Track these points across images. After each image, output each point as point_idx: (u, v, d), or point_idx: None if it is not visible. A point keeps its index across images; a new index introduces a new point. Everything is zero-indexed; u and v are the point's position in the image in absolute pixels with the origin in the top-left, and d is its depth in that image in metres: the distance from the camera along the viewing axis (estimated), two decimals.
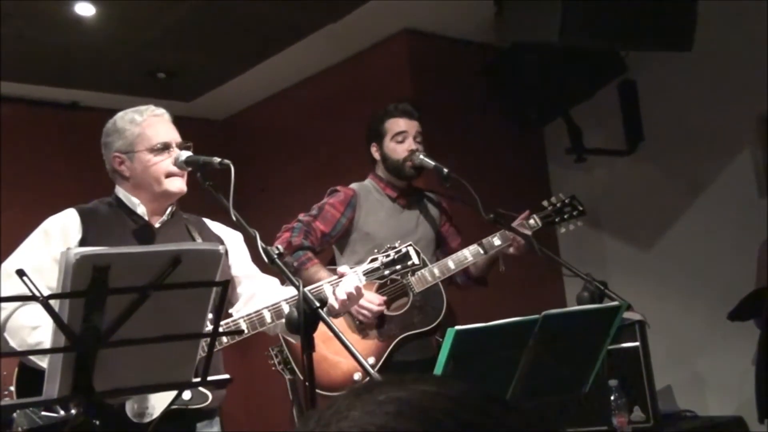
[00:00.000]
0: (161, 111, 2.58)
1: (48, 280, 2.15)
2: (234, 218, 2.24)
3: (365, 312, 3.13)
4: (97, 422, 1.83)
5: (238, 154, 4.88)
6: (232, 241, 2.63)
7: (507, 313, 2.33)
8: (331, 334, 2.02)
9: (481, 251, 3.22)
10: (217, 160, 2.37)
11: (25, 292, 1.66)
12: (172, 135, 2.54)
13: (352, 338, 3.15)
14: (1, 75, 4.54)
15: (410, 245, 2.66)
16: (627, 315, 2.96)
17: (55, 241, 2.40)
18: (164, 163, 2.50)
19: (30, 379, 2.21)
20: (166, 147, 2.51)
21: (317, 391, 2.88)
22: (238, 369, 4.79)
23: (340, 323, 3.15)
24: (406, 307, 3.24)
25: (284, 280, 2.27)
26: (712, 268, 4.55)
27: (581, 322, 2.49)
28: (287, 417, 3.55)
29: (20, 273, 1.62)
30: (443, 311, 3.23)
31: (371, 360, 3.15)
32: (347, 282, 2.52)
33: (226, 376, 2.20)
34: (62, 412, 2.19)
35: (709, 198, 4.66)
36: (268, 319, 2.47)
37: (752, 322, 3.95)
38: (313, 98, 5.38)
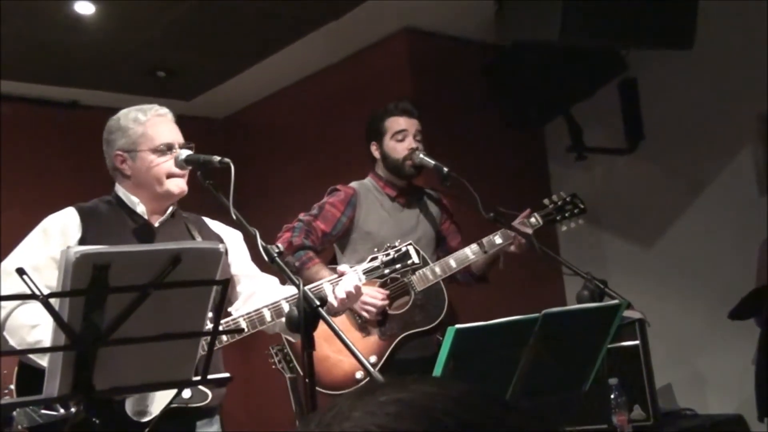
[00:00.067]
0: (165, 110, 2.58)
1: (47, 279, 2.16)
2: (234, 217, 2.23)
3: (369, 308, 3.13)
4: (97, 421, 1.84)
5: (238, 152, 4.88)
6: (232, 240, 2.63)
7: (507, 312, 2.33)
8: (331, 333, 2.02)
9: (482, 250, 3.22)
10: (217, 158, 2.36)
11: (25, 290, 1.66)
12: (175, 136, 2.54)
13: (354, 337, 3.15)
14: (1, 74, 4.54)
15: (410, 244, 2.66)
16: (627, 313, 2.96)
17: (55, 240, 2.40)
18: (166, 164, 2.50)
19: (30, 377, 2.21)
20: (168, 148, 2.50)
21: (319, 389, 2.89)
22: (239, 367, 4.80)
23: (341, 322, 3.16)
24: (408, 305, 3.24)
25: (284, 279, 2.27)
26: (713, 266, 4.55)
27: (581, 321, 2.49)
28: (287, 415, 3.55)
29: (20, 272, 1.62)
30: (444, 310, 3.23)
31: (373, 359, 3.15)
32: (347, 281, 2.52)
33: (227, 374, 2.20)
34: (62, 411, 2.19)
35: (709, 196, 4.66)
36: (267, 317, 2.47)
37: (752, 321, 3.95)
38: (312, 97, 5.38)
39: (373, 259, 2.63)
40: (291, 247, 3.22)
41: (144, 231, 2.52)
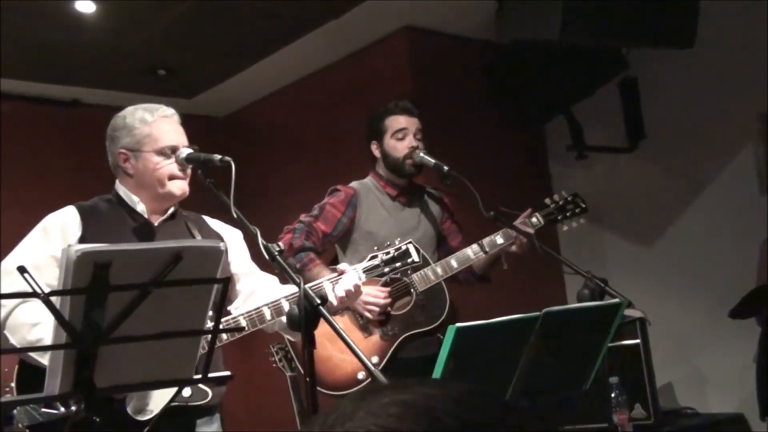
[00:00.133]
0: (171, 112, 2.57)
1: (48, 278, 2.15)
2: (235, 215, 2.23)
3: (371, 307, 3.14)
4: (97, 419, 1.84)
5: (239, 151, 4.88)
6: (232, 239, 2.63)
7: (508, 311, 2.33)
8: (334, 333, 2.02)
9: (484, 250, 3.22)
10: (218, 157, 2.37)
11: (26, 289, 1.66)
12: (180, 138, 2.54)
13: (355, 337, 3.15)
14: (1, 72, 4.54)
15: (410, 242, 2.66)
16: (628, 312, 2.96)
17: (55, 238, 2.40)
18: (169, 166, 2.50)
19: (30, 376, 2.21)
20: (172, 150, 2.50)
21: (321, 390, 2.89)
22: (239, 366, 4.80)
23: (343, 322, 3.16)
24: (409, 306, 3.23)
25: (285, 278, 2.27)
26: (713, 265, 4.55)
27: (582, 320, 2.50)
28: (288, 414, 3.55)
29: (21, 270, 1.62)
30: (446, 310, 3.23)
31: (374, 359, 3.15)
32: (347, 279, 2.52)
33: (227, 373, 2.20)
34: (62, 409, 2.20)
35: (710, 195, 4.67)
36: (267, 316, 2.47)
37: (753, 320, 3.96)
38: (313, 96, 5.38)
39: (373, 257, 2.63)
40: (292, 249, 3.22)
41: (144, 230, 2.52)
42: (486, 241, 3.23)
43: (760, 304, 3.83)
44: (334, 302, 2.50)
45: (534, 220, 3.32)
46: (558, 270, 4.53)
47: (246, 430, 5.38)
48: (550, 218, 3.36)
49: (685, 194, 4.77)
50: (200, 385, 2.40)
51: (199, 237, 2.57)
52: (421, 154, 3.32)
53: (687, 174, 4.76)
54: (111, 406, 2.24)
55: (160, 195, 2.52)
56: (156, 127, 2.51)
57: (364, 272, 2.59)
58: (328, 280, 2.56)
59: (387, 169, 3.41)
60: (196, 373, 1.95)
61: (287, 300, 2.47)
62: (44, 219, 2.46)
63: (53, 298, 1.66)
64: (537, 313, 2.29)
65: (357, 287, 2.53)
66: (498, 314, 2.26)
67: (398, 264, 2.63)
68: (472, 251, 3.23)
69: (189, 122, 2.62)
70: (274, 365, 3.47)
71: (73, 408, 2.13)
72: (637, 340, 3.13)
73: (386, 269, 2.62)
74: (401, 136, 3.37)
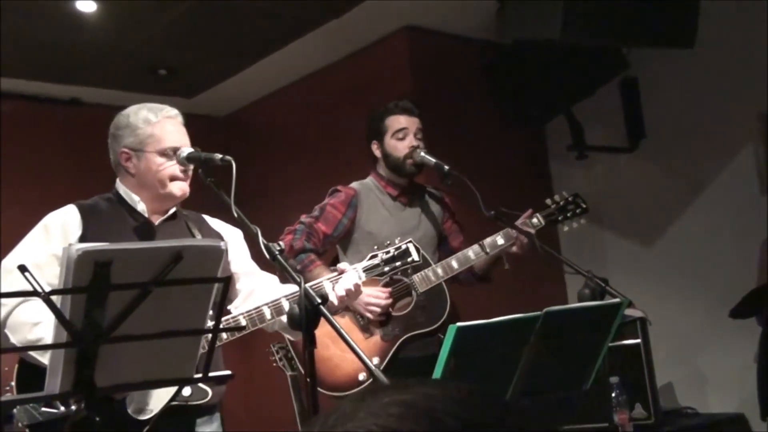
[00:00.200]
0: (175, 112, 2.57)
1: (48, 277, 2.15)
2: (235, 215, 2.23)
3: (373, 308, 3.14)
4: (98, 419, 1.83)
5: (239, 150, 4.88)
6: (232, 238, 2.63)
7: (509, 311, 2.33)
8: (335, 334, 2.02)
9: (484, 251, 3.21)
10: (219, 156, 2.37)
11: (26, 287, 1.66)
12: (183, 140, 2.54)
13: (356, 338, 3.15)
14: (1, 71, 4.54)
15: (410, 241, 2.66)
16: (628, 312, 2.96)
17: (55, 237, 2.40)
18: (172, 167, 2.50)
19: (30, 375, 2.21)
20: (175, 152, 2.51)
21: (321, 391, 2.89)
22: (239, 365, 4.79)
23: (343, 323, 3.15)
24: (410, 307, 3.23)
25: (285, 277, 2.27)
26: (714, 265, 4.55)
27: (582, 319, 2.50)
28: (288, 413, 3.55)
29: (22, 269, 1.62)
30: (447, 310, 3.22)
31: (375, 360, 3.15)
32: (347, 278, 2.52)
33: (228, 372, 2.20)
34: (62, 409, 2.20)
35: (710, 195, 4.67)
36: (267, 315, 2.47)
37: (753, 320, 3.96)
38: (313, 95, 5.38)
39: (372, 257, 2.63)
40: (293, 251, 3.22)
41: (144, 229, 2.52)
42: (487, 241, 3.23)
43: (760, 304, 3.83)
44: (335, 301, 2.50)
45: (534, 220, 3.31)
46: (558, 270, 4.53)
47: (246, 430, 5.38)
48: (550, 219, 3.35)
49: (685, 194, 4.77)
50: (200, 385, 2.40)
51: (199, 236, 2.57)
52: (422, 154, 3.32)
53: (687, 174, 4.76)
54: (111, 406, 2.24)
55: (160, 195, 2.52)
56: (159, 127, 2.51)
57: (364, 271, 2.59)
58: (328, 279, 2.56)
59: (388, 168, 3.41)
60: (197, 373, 1.95)
61: (287, 299, 2.47)
62: (45, 218, 2.46)
63: (54, 297, 1.66)
64: (537, 313, 2.29)
65: (357, 286, 2.53)
66: (498, 314, 2.26)
67: (398, 263, 2.62)
68: (472, 252, 3.22)
69: (189, 122, 2.62)
70: (274, 365, 3.46)
71: (73, 407, 2.13)
72: (638, 340, 3.13)
73: (386, 268, 2.62)
74: (402, 135, 3.37)
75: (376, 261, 2.61)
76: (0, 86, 4.82)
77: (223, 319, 2.34)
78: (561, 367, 2.43)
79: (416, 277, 3.20)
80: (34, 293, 1.63)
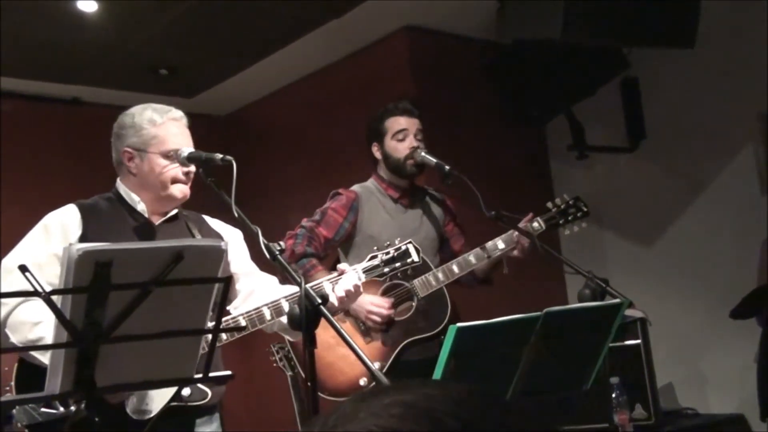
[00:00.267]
0: (180, 114, 2.57)
1: (48, 276, 2.15)
2: (236, 214, 2.23)
3: (375, 317, 3.14)
4: (97, 419, 1.83)
5: (240, 150, 4.87)
6: (232, 238, 2.63)
7: (509, 311, 2.33)
8: (336, 338, 2.01)
9: (485, 255, 3.21)
10: (220, 156, 2.37)
11: (27, 287, 1.66)
12: (187, 142, 2.54)
13: (357, 342, 3.13)
14: (2, 71, 4.54)
15: (410, 242, 2.65)
16: (628, 312, 2.96)
17: (56, 236, 2.40)
18: (174, 169, 2.50)
19: (30, 375, 2.21)
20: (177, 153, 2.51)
21: (322, 395, 2.88)
22: (239, 366, 4.79)
23: (345, 327, 3.15)
24: (411, 311, 3.23)
25: (285, 278, 2.26)
26: (714, 265, 4.55)
27: (583, 320, 2.50)
28: (288, 414, 3.55)
29: (23, 268, 1.62)
30: (448, 315, 3.21)
31: (376, 365, 3.13)
32: (346, 279, 2.52)
33: (228, 372, 2.20)
34: (62, 409, 2.19)
35: (710, 195, 4.66)
36: (267, 316, 2.47)
37: (754, 320, 3.95)
38: (313, 95, 5.38)
39: (372, 257, 2.63)
40: (294, 255, 3.22)
41: (145, 229, 2.52)
42: (488, 245, 3.21)
43: (760, 304, 3.83)
44: (335, 302, 2.50)
45: (535, 224, 3.25)
46: (559, 270, 4.53)
47: (246, 430, 5.38)
48: (551, 222, 3.29)
49: (686, 194, 4.77)
50: (199, 385, 2.40)
51: (199, 236, 2.56)
52: (423, 154, 3.31)
53: (687, 174, 4.76)
54: (110, 406, 2.24)
55: (161, 197, 2.52)
56: (164, 128, 2.51)
57: (364, 272, 2.59)
58: (328, 280, 2.56)
59: (388, 170, 3.40)
60: (197, 373, 1.95)
61: (287, 300, 2.47)
62: (45, 217, 2.46)
63: (54, 297, 1.66)
64: (538, 313, 2.29)
65: (357, 287, 2.53)
66: (499, 314, 2.26)
67: (398, 264, 2.62)
68: (474, 256, 3.21)
69: (189, 121, 2.62)
70: (274, 365, 3.46)
71: (72, 408, 2.13)
72: (638, 341, 3.13)
73: (386, 269, 2.62)
74: (402, 137, 3.36)
75: (375, 262, 2.61)
76: (0, 86, 4.81)
77: (223, 319, 2.34)
78: (561, 367, 2.43)
79: (417, 282, 3.19)
80: (34, 293, 1.63)
